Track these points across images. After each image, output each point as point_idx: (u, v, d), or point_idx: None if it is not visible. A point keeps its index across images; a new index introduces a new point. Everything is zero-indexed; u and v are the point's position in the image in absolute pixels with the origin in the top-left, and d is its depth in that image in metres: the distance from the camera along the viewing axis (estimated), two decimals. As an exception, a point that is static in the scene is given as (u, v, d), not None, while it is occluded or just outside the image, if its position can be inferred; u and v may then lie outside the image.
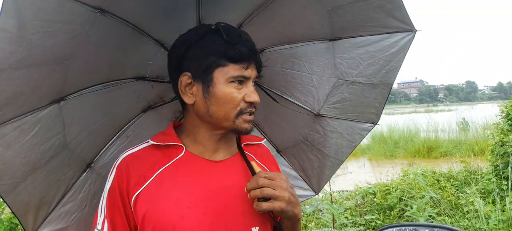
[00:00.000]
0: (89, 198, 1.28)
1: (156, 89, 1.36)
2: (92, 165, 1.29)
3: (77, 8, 0.90)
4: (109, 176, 1.03)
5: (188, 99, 1.03)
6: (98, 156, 1.31)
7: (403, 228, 1.21)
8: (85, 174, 1.27)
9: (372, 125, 1.55)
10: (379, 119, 1.53)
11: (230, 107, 1.01)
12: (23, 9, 0.77)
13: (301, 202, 1.84)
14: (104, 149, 1.32)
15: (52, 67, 0.96)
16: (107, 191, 1.01)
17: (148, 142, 1.07)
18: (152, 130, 1.25)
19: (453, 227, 1.18)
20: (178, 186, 1.00)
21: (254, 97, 1.02)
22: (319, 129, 1.55)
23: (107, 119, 1.30)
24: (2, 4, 0.71)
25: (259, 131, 1.64)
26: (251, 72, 1.02)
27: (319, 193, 1.76)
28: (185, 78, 1.02)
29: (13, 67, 0.83)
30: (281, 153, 1.68)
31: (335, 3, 1.21)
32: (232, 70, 0.99)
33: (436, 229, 1.15)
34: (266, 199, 0.98)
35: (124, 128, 1.36)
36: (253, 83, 1.05)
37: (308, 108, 1.50)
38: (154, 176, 1.00)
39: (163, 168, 1.01)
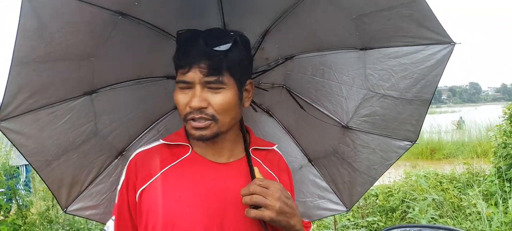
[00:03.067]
0: (118, 182, 1.41)
1: (186, 88, 1.44)
2: (123, 153, 1.42)
3: (97, 12, 1.01)
4: (123, 171, 1.12)
5: None
6: (130, 145, 1.43)
7: (407, 229, 1.11)
8: (116, 160, 1.40)
9: (410, 143, 1.42)
10: (417, 137, 1.40)
11: (180, 111, 1.03)
12: (40, 10, 0.89)
13: (330, 215, 1.78)
14: (136, 140, 1.44)
15: (78, 62, 1.09)
16: (120, 186, 1.10)
17: (160, 141, 1.13)
18: (180, 127, 1.33)
19: (456, 228, 1.04)
20: (181, 185, 1.04)
21: (192, 102, 0.97)
22: (349, 142, 1.47)
23: (139, 112, 1.41)
24: (21, 6, 0.84)
25: (290, 137, 1.62)
26: (193, 75, 0.97)
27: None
28: None
29: (37, 61, 0.97)
30: (312, 162, 1.64)
31: (359, 11, 1.14)
32: (178, 75, 1.02)
33: (439, 230, 1.03)
34: (258, 206, 0.98)
35: (156, 123, 1.46)
36: (214, 86, 0.99)
37: (337, 119, 1.44)
38: (160, 173, 1.05)
39: (169, 166, 1.06)
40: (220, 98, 0.99)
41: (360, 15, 1.15)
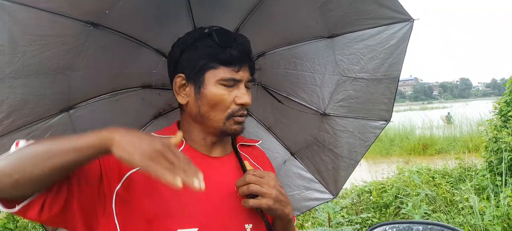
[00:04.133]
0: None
1: (163, 96, 1.45)
2: (106, 169, 1.40)
3: (69, 23, 1.01)
4: None
5: (181, 100, 1.08)
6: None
7: (397, 225, 1.15)
8: (99, 177, 1.38)
9: (385, 122, 1.49)
10: (391, 116, 1.46)
11: (220, 109, 1.03)
12: (11, 24, 0.89)
13: (318, 205, 1.81)
14: (117, 154, 1.42)
15: (53, 77, 1.08)
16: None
17: (152, 134, 1.11)
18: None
19: (447, 224, 1.09)
20: None
21: (245, 99, 1.04)
22: (328, 129, 1.52)
23: (118, 125, 1.39)
24: (-8, 22, 0.83)
25: (271, 134, 1.65)
26: (242, 75, 1.04)
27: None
28: (179, 80, 1.07)
29: (12, 77, 0.96)
30: (295, 155, 1.67)
31: (322, -1, 1.20)
32: (223, 72, 1.02)
33: (430, 226, 1.07)
34: (254, 196, 1.00)
35: (136, 134, 1.46)
36: (248, 86, 1.09)
37: (314, 108, 1.49)
38: None
39: None
40: (250, 96, 1.08)
41: (324, 2, 1.21)
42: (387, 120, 1.48)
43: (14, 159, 0.80)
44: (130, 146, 0.78)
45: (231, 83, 1.04)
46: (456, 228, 1.06)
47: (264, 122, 1.64)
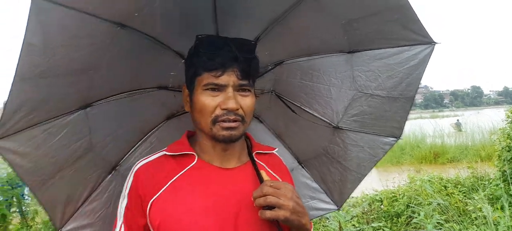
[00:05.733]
0: (113, 198, 1.37)
1: (178, 98, 1.44)
2: (117, 168, 1.38)
3: (98, 24, 1.00)
4: (126, 182, 1.09)
5: (186, 108, 1.12)
6: (123, 159, 1.40)
7: None
8: (110, 175, 1.37)
9: (394, 139, 1.51)
10: (401, 133, 1.49)
11: (205, 114, 1.04)
12: (46, 26, 0.87)
13: (322, 215, 1.83)
14: (129, 153, 1.41)
15: (77, 77, 1.07)
16: (126, 196, 1.07)
17: (162, 151, 1.12)
18: (174, 137, 1.31)
19: None
20: (191, 193, 1.03)
21: (229, 103, 1.02)
22: (339, 142, 1.54)
23: (132, 125, 1.39)
24: (27, 22, 0.82)
25: (281, 142, 1.66)
26: (227, 79, 1.03)
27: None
28: (184, 89, 1.11)
29: (39, 77, 0.94)
30: (302, 165, 1.69)
31: (348, 17, 1.21)
32: (206, 78, 1.03)
33: None
34: (271, 207, 1.00)
35: (149, 134, 1.45)
36: (243, 89, 1.06)
37: (327, 120, 1.50)
38: (169, 183, 1.04)
39: (177, 176, 1.06)
40: (248, 101, 1.06)
41: (349, 21, 1.22)
42: (398, 137, 1.50)
43: None
44: None
45: (215, 88, 1.04)
46: None
47: (274, 129, 1.65)
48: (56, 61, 0.95)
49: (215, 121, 1.03)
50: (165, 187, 1.04)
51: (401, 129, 1.47)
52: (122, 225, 1.06)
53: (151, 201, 1.02)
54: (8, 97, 0.91)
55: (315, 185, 1.69)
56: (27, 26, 0.82)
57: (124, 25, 1.08)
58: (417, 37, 1.23)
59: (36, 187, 1.14)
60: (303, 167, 1.69)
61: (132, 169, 1.11)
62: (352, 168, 1.57)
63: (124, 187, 1.09)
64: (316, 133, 1.55)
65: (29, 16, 0.82)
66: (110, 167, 1.36)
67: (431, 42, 1.24)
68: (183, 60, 1.34)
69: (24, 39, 0.83)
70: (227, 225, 1.01)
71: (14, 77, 0.88)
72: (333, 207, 1.71)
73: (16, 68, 0.87)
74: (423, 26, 1.19)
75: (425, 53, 1.26)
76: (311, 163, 1.66)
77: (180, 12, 1.17)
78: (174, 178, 1.05)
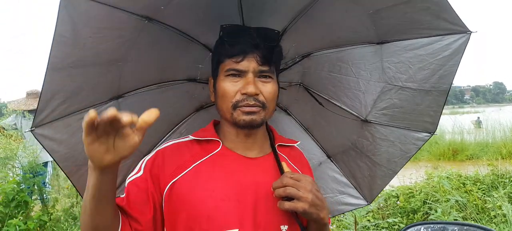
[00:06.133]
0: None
1: (206, 90, 1.47)
2: (148, 157, 1.44)
3: (126, 17, 1.04)
4: (145, 157, 1.11)
5: (212, 98, 1.14)
6: (154, 149, 1.45)
7: (432, 225, 1.12)
8: (141, 164, 1.43)
9: (428, 135, 1.45)
10: (435, 129, 1.42)
11: (227, 99, 1.06)
12: (75, 17, 0.92)
13: (351, 210, 1.79)
14: (159, 143, 1.46)
15: (106, 68, 1.12)
16: (142, 169, 1.07)
17: (189, 137, 1.16)
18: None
19: (484, 226, 1.04)
20: (214, 178, 1.05)
21: (249, 88, 1.03)
22: (368, 136, 1.50)
23: (162, 115, 1.42)
24: (58, 13, 0.87)
25: (309, 135, 1.65)
26: (247, 64, 1.04)
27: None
28: (210, 79, 1.13)
29: (71, 66, 1.00)
30: (331, 159, 1.66)
31: (375, 6, 1.17)
32: (227, 64, 1.06)
33: (466, 228, 1.04)
34: (290, 198, 1.00)
35: (178, 125, 1.49)
36: (264, 76, 1.07)
37: (355, 114, 1.47)
38: (192, 166, 1.07)
39: (200, 160, 1.08)
40: (269, 87, 1.07)
41: (377, 10, 1.19)
42: (431, 133, 1.44)
43: (82, 226, 0.93)
44: None
45: (235, 74, 1.06)
46: (493, 229, 1.02)
47: (302, 122, 1.64)
48: (86, 52, 1.00)
49: (235, 106, 1.05)
50: (188, 170, 1.06)
51: (435, 124, 1.41)
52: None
53: (172, 182, 1.04)
54: (42, 87, 0.98)
55: (344, 179, 1.67)
56: (57, 18, 0.88)
57: (151, 18, 1.12)
58: (451, 26, 1.17)
59: (71, 172, 1.22)
60: (332, 161, 1.66)
61: (159, 146, 1.14)
62: (381, 163, 1.53)
63: (142, 161, 1.11)
64: (345, 126, 1.52)
65: (59, 9, 0.87)
66: (141, 156, 1.41)
67: (466, 31, 1.17)
68: (211, 53, 1.37)
69: (55, 30, 0.89)
70: (246, 213, 1.02)
71: (47, 68, 0.94)
72: (363, 202, 1.68)
73: (49, 59, 0.93)
74: (457, 15, 1.13)
75: (460, 43, 1.20)
76: (340, 157, 1.63)
77: (206, 5, 1.19)
78: (198, 162, 1.07)
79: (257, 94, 1.04)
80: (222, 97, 1.07)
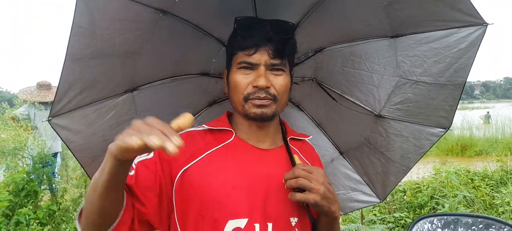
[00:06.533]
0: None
1: (219, 84, 1.48)
2: (161, 150, 1.46)
3: (141, 9, 1.06)
4: None
5: (226, 90, 1.14)
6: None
7: (445, 217, 1.10)
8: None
9: (443, 130, 1.43)
10: (451, 124, 1.40)
11: (238, 92, 1.06)
12: (93, 8, 0.94)
13: (364, 207, 1.78)
14: (172, 137, 1.48)
15: (123, 60, 1.14)
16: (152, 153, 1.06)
17: (203, 126, 1.17)
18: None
19: (498, 218, 1.02)
20: (226, 167, 1.06)
21: (260, 81, 1.03)
22: (382, 131, 1.48)
23: (175, 109, 1.45)
24: (76, 4, 0.89)
25: (321, 130, 1.64)
26: (259, 57, 1.05)
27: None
28: (225, 72, 1.14)
29: (89, 57, 1.02)
30: (343, 155, 1.65)
31: (389, -2, 1.17)
32: (240, 57, 1.06)
33: (480, 219, 1.02)
34: (302, 190, 1.00)
35: (191, 119, 1.50)
36: (276, 69, 1.07)
37: (369, 109, 1.46)
38: (205, 154, 1.07)
39: (213, 148, 1.09)
40: (281, 80, 1.07)
41: (391, 2, 1.18)
42: (446, 128, 1.42)
43: (85, 203, 0.93)
44: (119, 137, 0.78)
45: (247, 66, 1.06)
46: (508, 222, 1.00)
47: (315, 117, 1.63)
48: (103, 43, 1.02)
49: (247, 99, 1.06)
50: (200, 157, 1.06)
51: (450, 119, 1.39)
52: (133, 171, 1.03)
53: (185, 168, 1.04)
54: (60, 77, 1.00)
55: (356, 176, 1.65)
56: (75, 9, 0.90)
57: (166, 11, 1.14)
58: (467, 17, 1.16)
59: (86, 163, 1.24)
60: (344, 157, 1.65)
61: None
62: (395, 159, 1.51)
63: None
64: (358, 122, 1.51)
65: (77, 0, 0.89)
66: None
67: (482, 23, 1.16)
68: (224, 47, 1.38)
69: (73, 21, 0.91)
70: (256, 203, 1.02)
71: (65, 58, 0.96)
72: (376, 199, 1.66)
73: (67, 49, 0.95)
74: (473, 6, 1.12)
75: (476, 35, 1.18)
76: (353, 153, 1.62)
77: (219, -1, 1.21)
78: (211, 150, 1.08)
79: (268, 87, 1.05)
80: (234, 89, 1.08)
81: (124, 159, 0.80)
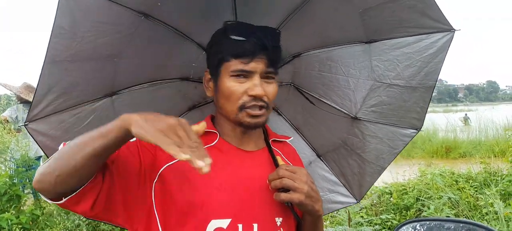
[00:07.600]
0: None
1: (199, 89, 1.48)
2: (140, 156, 1.44)
3: (123, 12, 1.06)
4: None
5: (208, 93, 1.13)
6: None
7: (428, 222, 1.15)
8: (134, 163, 1.42)
9: (415, 131, 1.50)
10: (422, 125, 1.47)
11: (232, 100, 1.05)
12: (75, 9, 0.93)
13: (341, 208, 1.82)
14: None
15: (102, 63, 1.13)
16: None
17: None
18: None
19: (480, 223, 1.08)
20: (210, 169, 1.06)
21: (257, 90, 1.02)
22: (358, 133, 1.54)
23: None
24: (58, 4, 0.88)
25: (299, 134, 1.67)
26: (255, 66, 1.03)
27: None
28: (206, 74, 1.12)
29: (69, 60, 1.00)
30: (321, 157, 1.69)
31: (365, 5, 1.22)
32: (234, 64, 1.04)
33: (462, 224, 1.07)
34: (286, 190, 1.02)
35: (170, 124, 1.49)
36: (268, 77, 1.07)
37: (345, 111, 1.51)
38: None
39: None
40: (272, 88, 1.07)
41: (366, 9, 1.24)
42: (418, 129, 1.49)
43: (55, 158, 0.88)
44: (145, 123, 0.80)
45: (242, 75, 1.05)
46: (489, 227, 1.05)
47: (293, 121, 1.66)
48: (83, 46, 1.01)
49: (242, 108, 1.04)
50: None
51: (421, 120, 1.46)
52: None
53: (168, 165, 1.02)
54: (39, 80, 0.97)
55: (333, 178, 1.70)
56: (57, 10, 0.88)
57: (147, 14, 1.13)
58: (436, 24, 1.23)
59: (65, 169, 1.20)
60: (321, 160, 1.69)
61: None
62: (371, 160, 1.57)
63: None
64: (335, 125, 1.56)
65: (59, 0, 0.88)
66: (133, 155, 1.42)
67: (450, 29, 1.24)
68: (204, 51, 1.39)
69: (54, 22, 0.89)
70: (240, 204, 1.02)
71: (44, 60, 0.94)
72: (352, 200, 1.71)
73: (47, 51, 0.93)
74: (441, 13, 1.19)
75: (444, 40, 1.26)
76: (330, 155, 1.66)
77: (201, 3, 1.22)
78: None
79: (263, 96, 1.04)
80: (228, 98, 1.06)
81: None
